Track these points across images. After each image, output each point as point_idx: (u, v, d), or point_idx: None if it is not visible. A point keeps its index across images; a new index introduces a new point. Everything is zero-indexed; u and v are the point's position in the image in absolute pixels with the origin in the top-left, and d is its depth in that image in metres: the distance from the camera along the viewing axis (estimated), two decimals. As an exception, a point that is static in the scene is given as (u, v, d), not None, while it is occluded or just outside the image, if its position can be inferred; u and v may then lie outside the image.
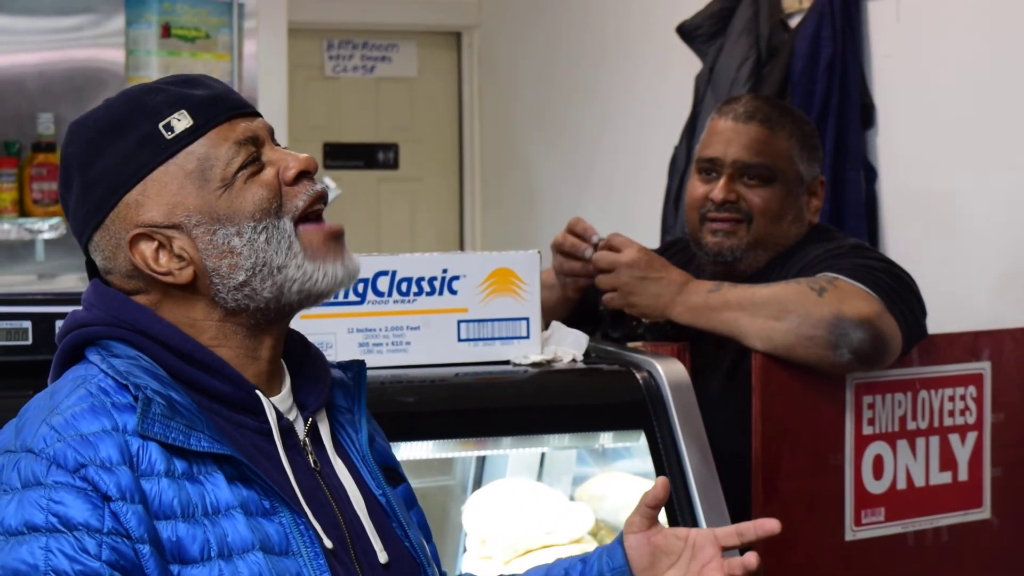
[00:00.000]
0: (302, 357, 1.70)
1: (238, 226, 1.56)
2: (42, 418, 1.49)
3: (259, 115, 1.63)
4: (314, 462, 1.62)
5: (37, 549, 1.40)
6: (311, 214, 1.61)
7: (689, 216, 2.84)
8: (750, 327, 2.57)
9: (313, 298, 1.61)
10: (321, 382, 1.68)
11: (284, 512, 1.53)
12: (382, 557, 1.61)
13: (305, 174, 1.61)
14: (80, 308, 1.61)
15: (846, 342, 2.52)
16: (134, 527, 1.44)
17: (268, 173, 1.59)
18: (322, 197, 1.62)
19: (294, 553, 1.52)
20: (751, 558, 1.71)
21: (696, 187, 2.81)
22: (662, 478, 1.75)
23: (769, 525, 1.74)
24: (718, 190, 2.75)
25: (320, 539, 1.54)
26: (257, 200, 1.57)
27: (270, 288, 1.58)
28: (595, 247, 2.73)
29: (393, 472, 1.77)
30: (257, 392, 1.59)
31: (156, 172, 1.56)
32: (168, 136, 1.56)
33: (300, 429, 1.63)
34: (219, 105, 1.59)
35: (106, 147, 1.57)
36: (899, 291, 2.61)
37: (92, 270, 1.65)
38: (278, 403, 1.62)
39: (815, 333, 2.53)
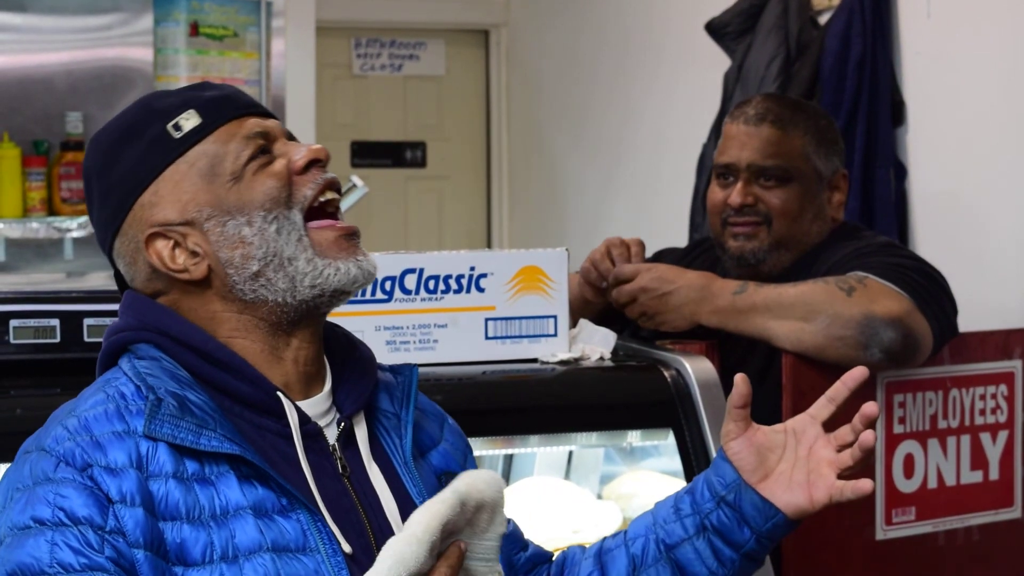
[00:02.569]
0: (347, 357, 1.67)
1: (248, 216, 1.56)
2: (59, 420, 1.52)
3: (272, 116, 1.63)
4: (343, 467, 1.59)
5: (43, 543, 1.42)
6: (323, 207, 1.60)
7: (711, 222, 2.86)
8: (779, 329, 2.56)
9: (328, 295, 1.59)
10: (362, 385, 1.65)
11: (301, 510, 1.51)
12: None
13: (316, 163, 1.60)
14: (116, 319, 1.63)
15: (876, 341, 2.50)
16: (130, 530, 1.44)
17: (278, 164, 1.59)
18: (332, 185, 1.61)
19: (312, 550, 1.50)
20: (870, 407, 1.69)
21: (715, 193, 2.81)
22: (740, 374, 1.71)
23: (857, 373, 1.72)
24: (735, 195, 2.75)
25: (338, 541, 1.52)
26: (266, 190, 1.57)
27: (283, 279, 1.57)
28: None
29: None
30: (278, 394, 1.57)
31: (167, 171, 1.57)
32: (176, 135, 1.57)
33: (331, 433, 1.61)
34: (228, 104, 1.60)
35: (121, 153, 1.59)
36: (930, 290, 2.59)
37: (121, 282, 1.67)
38: (311, 407, 1.60)
39: (845, 333, 2.51)
